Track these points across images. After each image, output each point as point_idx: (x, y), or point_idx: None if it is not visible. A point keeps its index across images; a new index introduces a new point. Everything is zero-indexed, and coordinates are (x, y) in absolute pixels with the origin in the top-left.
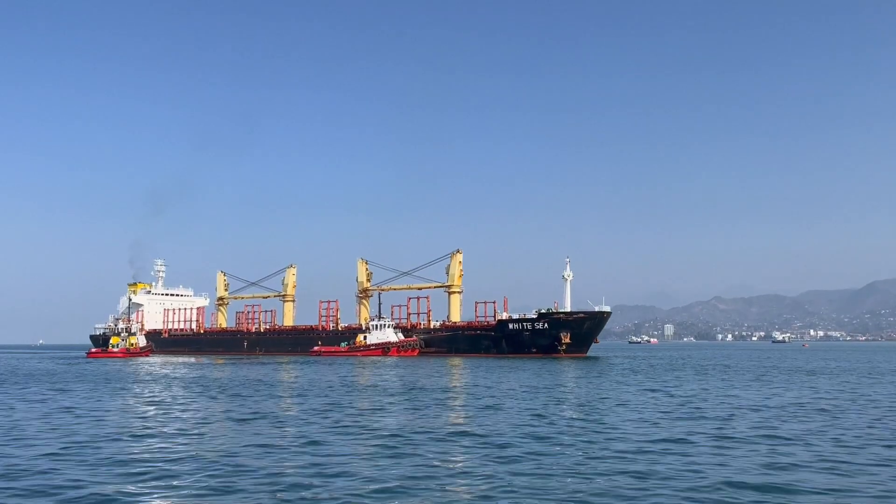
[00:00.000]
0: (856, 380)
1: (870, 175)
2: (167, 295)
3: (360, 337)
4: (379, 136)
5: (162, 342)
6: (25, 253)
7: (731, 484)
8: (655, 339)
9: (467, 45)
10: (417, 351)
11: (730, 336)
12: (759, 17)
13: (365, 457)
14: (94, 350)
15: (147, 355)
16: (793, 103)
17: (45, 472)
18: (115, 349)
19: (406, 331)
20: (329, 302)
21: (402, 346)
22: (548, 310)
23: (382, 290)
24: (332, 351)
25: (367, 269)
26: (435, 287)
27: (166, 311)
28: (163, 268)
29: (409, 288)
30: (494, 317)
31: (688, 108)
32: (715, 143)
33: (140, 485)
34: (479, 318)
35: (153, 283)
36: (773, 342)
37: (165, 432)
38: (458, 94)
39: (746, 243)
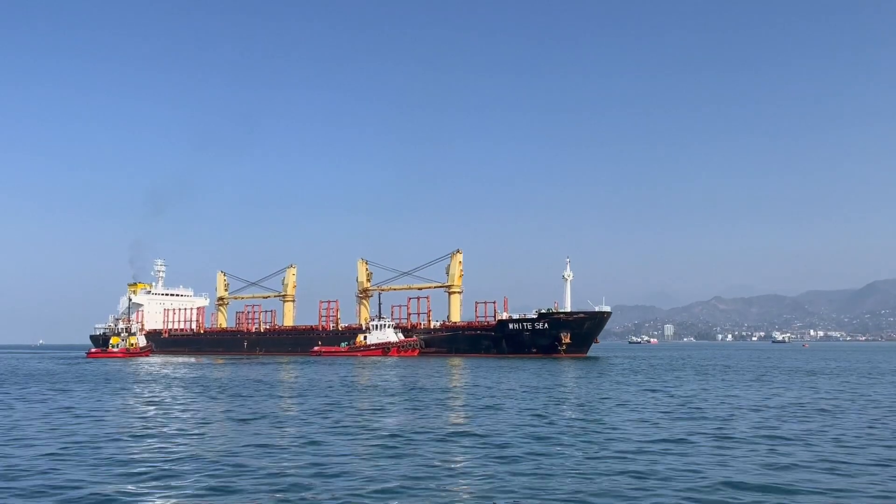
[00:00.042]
0: (856, 380)
1: (870, 175)
2: (167, 295)
3: (361, 337)
4: (379, 136)
5: (162, 342)
6: (25, 253)
7: (731, 484)
8: (655, 340)
9: (467, 45)
10: (417, 351)
11: (730, 336)
12: (759, 17)
13: (365, 457)
14: (93, 350)
15: (147, 355)
16: (793, 103)
17: (46, 472)
18: (115, 349)
19: (406, 331)
20: (329, 302)
21: (403, 347)
22: (548, 310)
23: (382, 290)
24: (332, 351)
25: (367, 270)
26: (435, 287)
27: (166, 311)
28: (163, 268)
29: (410, 288)
30: (494, 317)
31: (688, 108)
32: (715, 143)
33: (140, 485)
34: (480, 319)
35: (153, 284)
36: (773, 342)
37: (165, 432)
38: (458, 94)
39: (746, 243)
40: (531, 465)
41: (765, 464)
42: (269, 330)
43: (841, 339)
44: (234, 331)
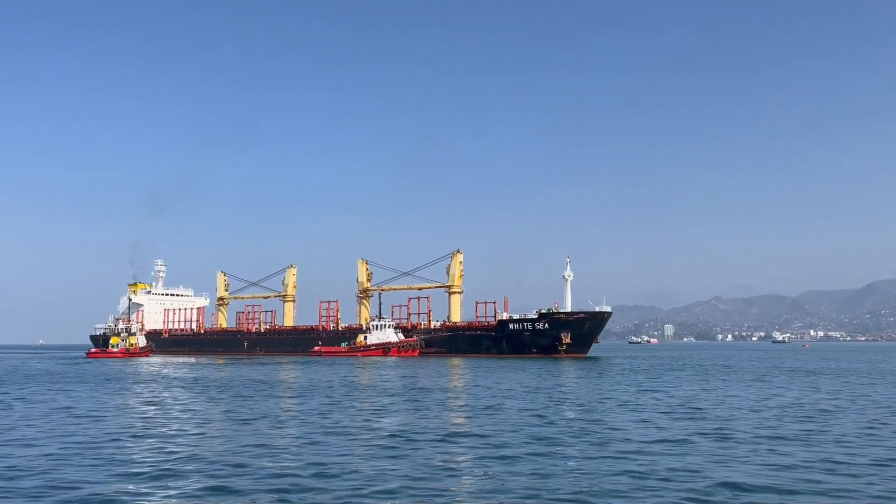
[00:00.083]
0: (856, 380)
1: (870, 175)
2: (167, 295)
3: (361, 337)
4: (379, 136)
5: (162, 342)
6: (25, 253)
7: (731, 484)
8: (655, 340)
9: (467, 45)
10: (418, 351)
11: (730, 336)
12: (759, 17)
13: (365, 457)
14: (93, 350)
15: (147, 355)
16: (793, 103)
17: (45, 472)
18: (115, 349)
19: (406, 331)
20: (329, 302)
21: (403, 347)
22: (548, 310)
23: (383, 290)
24: (332, 351)
25: (367, 270)
26: (435, 287)
27: (166, 311)
28: (163, 268)
29: (410, 288)
30: (495, 317)
31: (688, 108)
32: (715, 143)
33: (140, 485)
34: (480, 319)
35: (153, 284)
36: (773, 342)
37: (165, 432)
38: (458, 94)
39: (746, 243)
40: (531, 466)
41: (765, 464)
42: (269, 330)
43: (841, 339)
44: (234, 331)
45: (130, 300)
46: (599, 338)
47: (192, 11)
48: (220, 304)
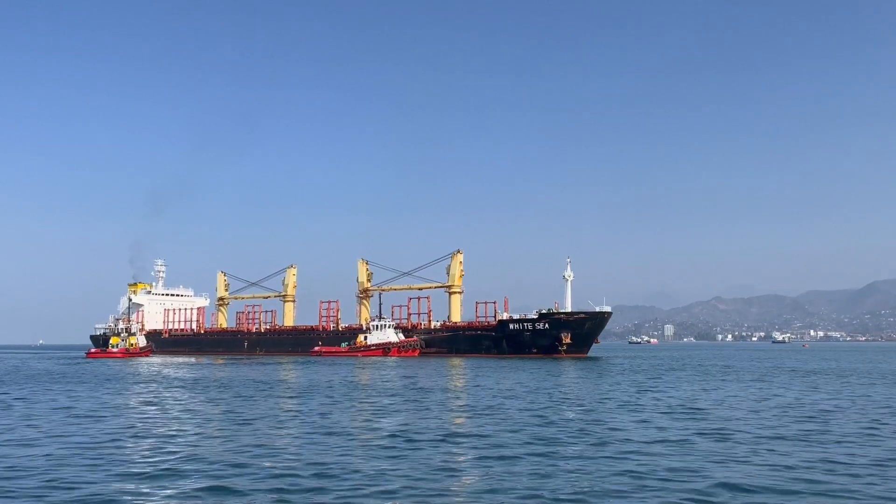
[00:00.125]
0: (856, 380)
1: (870, 175)
2: (167, 295)
3: (361, 337)
4: (379, 136)
5: (162, 342)
6: (25, 253)
7: (731, 484)
8: (655, 340)
9: (467, 45)
10: (418, 351)
11: (730, 336)
12: (759, 17)
13: (365, 457)
14: (93, 350)
15: (147, 355)
16: (793, 103)
17: (45, 473)
18: (115, 349)
19: (407, 331)
20: (329, 302)
21: (403, 347)
22: (548, 310)
23: (383, 290)
24: (332, 351)
25: (367, 270)
26: (435, 287)
27: (167, 311)
28: (163, 268)
29: (410, 288)
30: (495, 317)
31: (688, 108)
32: (715, 143)
33: (140, 485)
34: (480, 319)
35: (153, 284)
36: (774, 342)
37: (165, 432)
38: (458, 94)
39: (746, 243)
40: (531, 466)
41: (765, 464)
42: (269, 330)
43: (841, 339)
44: (234, 331)
45: (130, 300)
46: (599, 338)
47: (192, 11)
48: (221, 304)
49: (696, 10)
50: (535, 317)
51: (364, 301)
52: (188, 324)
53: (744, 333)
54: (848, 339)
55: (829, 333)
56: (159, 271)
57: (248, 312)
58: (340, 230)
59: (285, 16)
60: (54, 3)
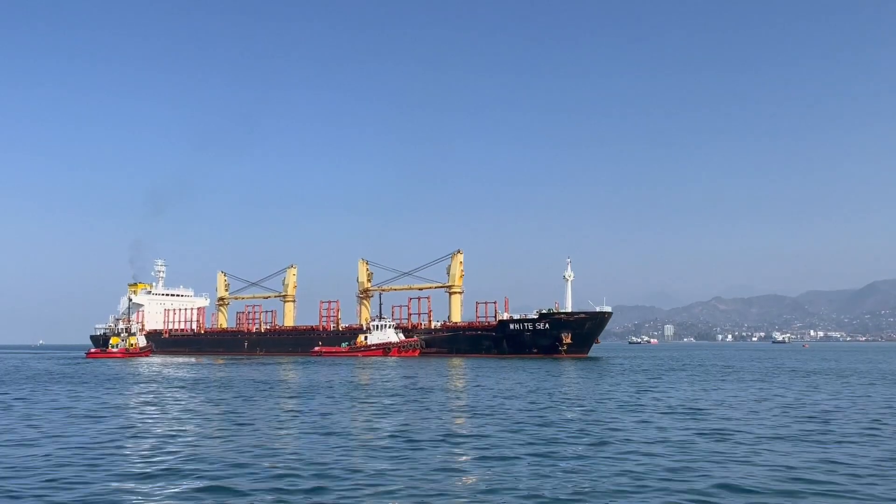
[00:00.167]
0: (856, 380)
1: (870, 175)
2: (167, 295)
3: (361, 337)
4: (379, 136)
5: (162, 342)
6: (25, 253)
7: (730, 485)
8: (655, 340)
9: (467, 45)
10: (418, 351)
11: (730, 336)
12: (759, 17)
13: (365, 457)
14: (93, 350)
15: (147, 355)
16: (793, 103)
17: (45, 473)
18: (115, 349)
19: (407, 331)
20: (330, 302)
21: (403, 347)
22: (549, 310)
23: (383, 290)
24: (332, 351)
25: (367, 270)
26: (436, 287)
27: (167, 311)
28: (163, 268)
29: (410, 288)
30: (495, 317)
31: (688, 108)
32: (715, 143)
33: (140, 485)
34: (480, 319)
35: (153, 284)
36: (774, 343)
37: (165, 432)
38: (458, 94)
39: (746, 243)
40: (532, 466)
41: (765, 464)
42: (269, 330)
43: (841, 339)
44: (234, 331)
45: (130, 300)
46: (600, 338)
47: (192, 11)
48: (221, 305)
49: (696, 10)
50: (536, 317)
51: (364, 301)
52: (188, 324)
53: (744, 333)
54: (848, 339)
55: (829, 333)
56: (159, 271)
57: (249, 312)
58: (340, 230)
59: (285, 16)
60: (54, 4)
